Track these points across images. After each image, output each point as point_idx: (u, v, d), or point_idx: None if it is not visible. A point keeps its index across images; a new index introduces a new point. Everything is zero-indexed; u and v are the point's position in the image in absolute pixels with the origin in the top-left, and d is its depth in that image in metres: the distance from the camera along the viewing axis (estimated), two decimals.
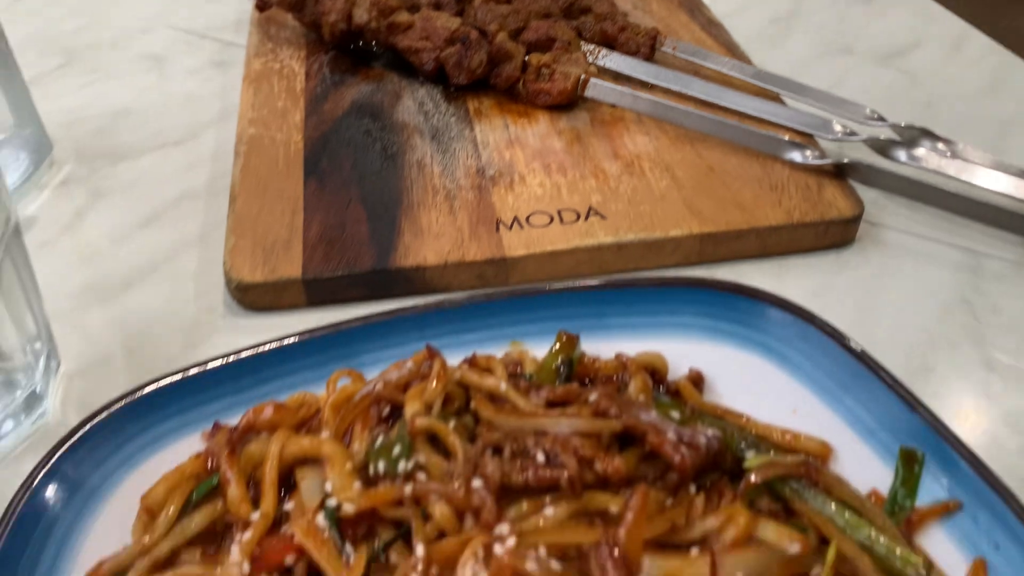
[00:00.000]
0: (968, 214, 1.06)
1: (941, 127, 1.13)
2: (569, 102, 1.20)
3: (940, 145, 1.10)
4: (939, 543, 0.68)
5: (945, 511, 0.69)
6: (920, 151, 1.09)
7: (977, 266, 1.02)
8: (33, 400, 0.86)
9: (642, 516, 0.61)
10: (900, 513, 0.70)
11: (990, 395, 0.87)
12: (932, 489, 0.71)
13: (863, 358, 0.78)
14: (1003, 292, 0.98)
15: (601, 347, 0.82)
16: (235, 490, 0.68)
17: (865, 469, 0.73)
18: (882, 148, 1.11)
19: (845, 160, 1.08)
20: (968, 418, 0.84)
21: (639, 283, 0.85)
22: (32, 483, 0.68)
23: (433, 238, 0.99)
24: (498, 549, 0.59)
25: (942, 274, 1.01)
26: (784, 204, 1.02)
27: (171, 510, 0.67)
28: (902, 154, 1.09)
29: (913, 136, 1.11)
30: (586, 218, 1.00)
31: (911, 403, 0.74)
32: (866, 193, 1.08)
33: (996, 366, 0.90)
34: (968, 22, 1.54)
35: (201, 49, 1.49)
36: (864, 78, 1.38)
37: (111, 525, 0.69)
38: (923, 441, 0.72)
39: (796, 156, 1.09)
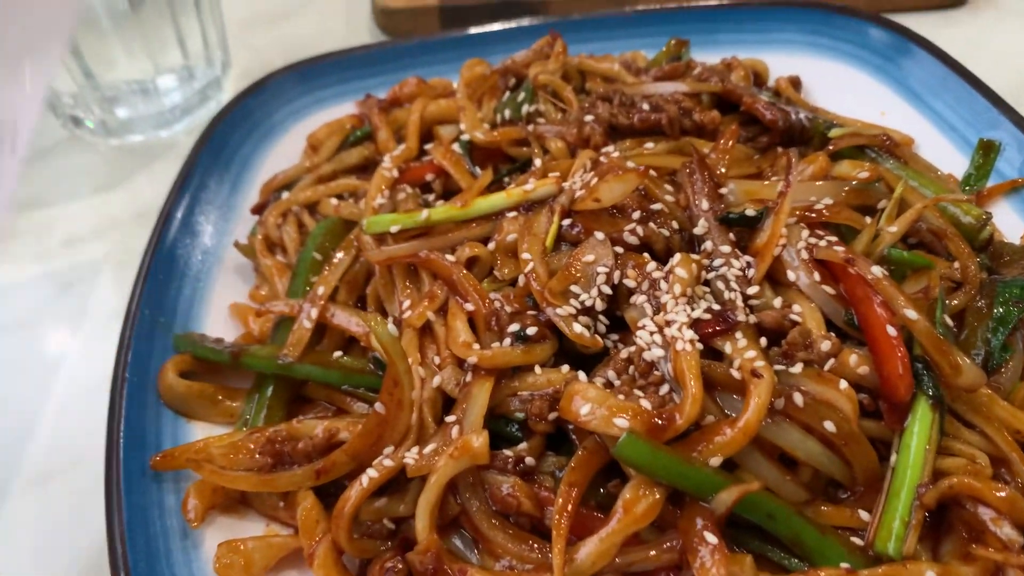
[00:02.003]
0: None
1: None
2: None
3: None
4: (1004, 212, 0.75)
5: (1013, 187, 0.76)
6: None
7: None
8: (209, 92, 1.01)
9: (731, 141, 0.70)
10: (971, 190, 0.77)
11: None
12: (1006, 176, 0.77)
13: (953, 64, 0.83)
14: None
15: (710, 59, 0.90)
16: (384, 134, 0.80)
17: (945, 159, 0.80)
18: None
19: None
20: None
21: (749, 3, 0.92)
22: (220, 118, 0.82)
23: None
24: (603, 160, 0.69)
25: None
26: None
27: (333, 141, 0.80)
28: None
29: None
30: None
31: (994, 100, 0.80)
32: None
33: None
34: None
35: None
36: None
37: (282, 158, 0.83)
38: (1003, 133, 0.79)
39: None
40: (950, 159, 0.81)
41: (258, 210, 0.77)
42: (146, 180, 0.91)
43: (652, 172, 0.68)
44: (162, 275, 0.69)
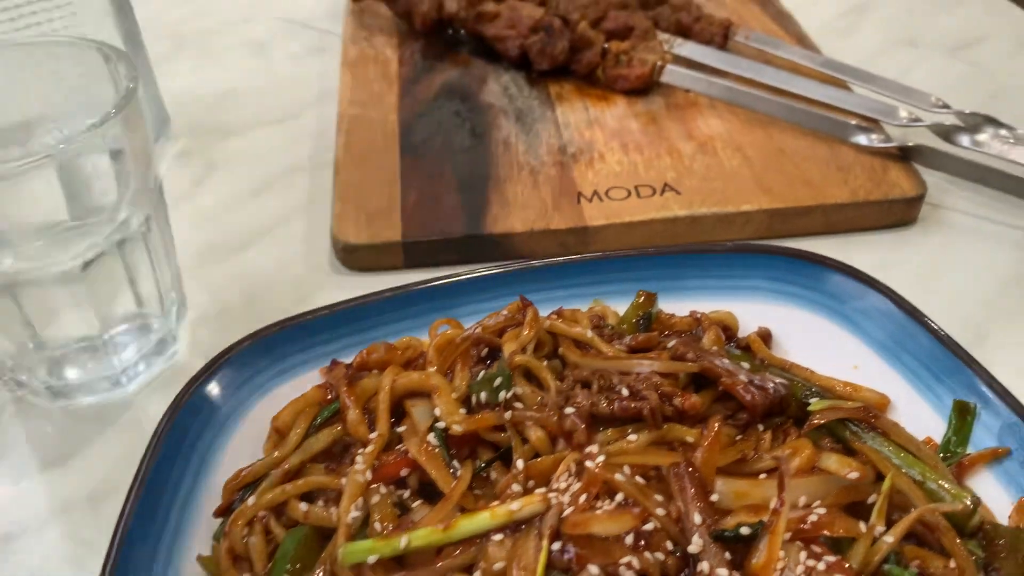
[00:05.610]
0: None
1: (1006, 117, 1.18)
2: (646, 87, 1.28)
3: (1003, 131, 1.15)
4: (988, 485, 0.75)
5: (994, 456, 0.75)
6: (983, 137, 1.14)
7: None
8: (165, 343, 0.97)
9: (717, 443, 0.68)
10: (952, 458, 0.77)
11: None
12: (983, 439, 0.77)
13: (920, 319, 0.84)
14: None
15: (677, 307, 0.90)
16: (354, 414, 0.77)
17: (921, 420, 0.80)
18: (946, 134, 1.16)
19: (910, 143, 1.13)
20: (1021, 378, 0.89)
21: (714, 249, 0.93)
22: (178, 405, 0.78)
23: (519, 208, 1.08)
24: (589, 464, 0.67)
25: (1002, 253, 1.06)
26: (850, 183, 1.09)
27: (299, 429, 0.76)
28: (965, 139, 1.15)
29: (976, 123, 1.16)
30: (662, 193, 1.08)
31: (965, 360, 0.80)
32: (929, 176, 1.14)
33: None
34: None
35: (299, 37, 1.60)
36: (930, 70, 1.43)
37: (244, 443, 0.79)
38: (975, 395, 0.79)
39: (862, 139, 1.15)
40: (927, 420, 0.80)
41: (222, 512, 0.73)
42: (99, 452, 0.86)
43: (639, 479, 0.66)
44: None
